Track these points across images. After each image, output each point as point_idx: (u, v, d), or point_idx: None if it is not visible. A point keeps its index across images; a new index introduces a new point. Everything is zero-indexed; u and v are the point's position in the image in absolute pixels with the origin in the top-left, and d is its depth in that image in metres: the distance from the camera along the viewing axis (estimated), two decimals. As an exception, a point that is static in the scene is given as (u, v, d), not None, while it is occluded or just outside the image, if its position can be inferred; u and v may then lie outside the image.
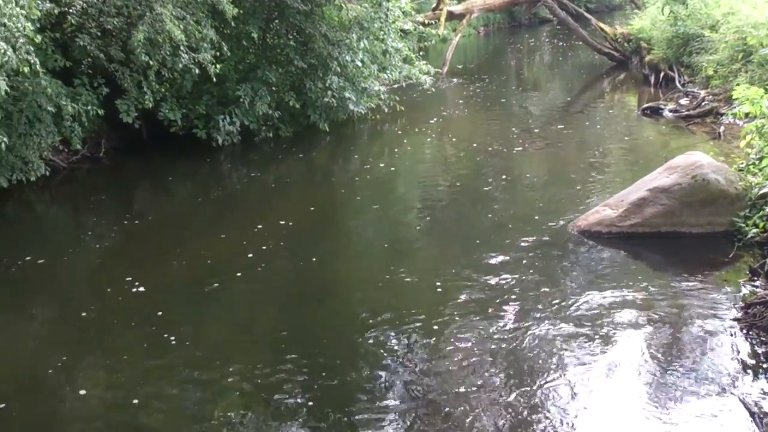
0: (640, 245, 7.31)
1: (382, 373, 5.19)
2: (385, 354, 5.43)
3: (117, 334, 5.94)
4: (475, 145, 11.79)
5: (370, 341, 5.59)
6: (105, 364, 5.52)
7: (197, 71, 10.63)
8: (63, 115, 9.62)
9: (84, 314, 6.25)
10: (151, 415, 4.88)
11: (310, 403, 4.87)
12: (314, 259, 7.23)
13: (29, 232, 8.58)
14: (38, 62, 8.59)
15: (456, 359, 5.31)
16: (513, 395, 4.85)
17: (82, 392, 5.14)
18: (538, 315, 5.89)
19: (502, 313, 5.92)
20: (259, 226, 8.10)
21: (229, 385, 5.12)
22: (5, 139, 8.62)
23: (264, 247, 7.49)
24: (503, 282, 6.47)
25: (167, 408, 4.96)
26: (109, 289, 6.68)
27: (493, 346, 5.45)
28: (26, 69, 8.32)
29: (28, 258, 7.43)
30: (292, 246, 7.67)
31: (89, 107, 10.07)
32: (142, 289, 6.61)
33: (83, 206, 9.77)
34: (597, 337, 5.53)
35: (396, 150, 11.96)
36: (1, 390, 5.15)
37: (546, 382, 4.97)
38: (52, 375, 5.41)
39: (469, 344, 5.49)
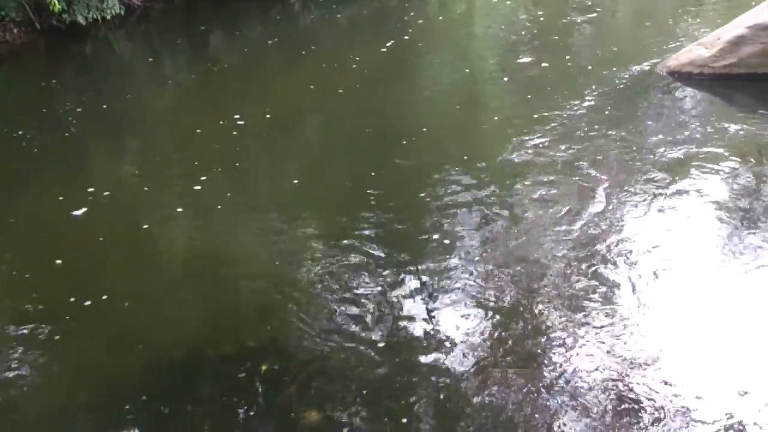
0: (733, 87, 6.84)
1: (449, 223, 5.00)
2: (454, 203, 5.23)
3: (198, 168, 6.02)
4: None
5: (441, 188, 5.42)
6: (188, 193, 5.67)
7: None
8: (134, -49, 9.49)
9: (169, 149, 6.46)
10: (232, 237, 5.11)
11: (380, 249, 4.73)
12: (388, 102, 7.12)
13: (114, 72, 8.70)
14: None
15: (531, 209, 5.09)
16: (587, 243, 4.63)
17: (175, 225, 5.42)
18: (618, 157, 5.66)
19: (580, 156, 5.71)
20: (333, 67, 7.97)
21: (302, 224, 5.20)
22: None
23: (338, 90, 7.41)
24: (583, 123, 6.21)
25: (245, 234, 5.17)
26: (198, 127, 6.80)
27: (569, 192, 5.19)
28: None
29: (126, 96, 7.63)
30: (365, 88, 7.56)
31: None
32: (223, 124, 6.73)
33: (158, 46, 9.83)
34: (679, 180, 5.29)
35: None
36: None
37: (622, 228, 4.80)
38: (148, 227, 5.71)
39: (544, 190, 5.26)
